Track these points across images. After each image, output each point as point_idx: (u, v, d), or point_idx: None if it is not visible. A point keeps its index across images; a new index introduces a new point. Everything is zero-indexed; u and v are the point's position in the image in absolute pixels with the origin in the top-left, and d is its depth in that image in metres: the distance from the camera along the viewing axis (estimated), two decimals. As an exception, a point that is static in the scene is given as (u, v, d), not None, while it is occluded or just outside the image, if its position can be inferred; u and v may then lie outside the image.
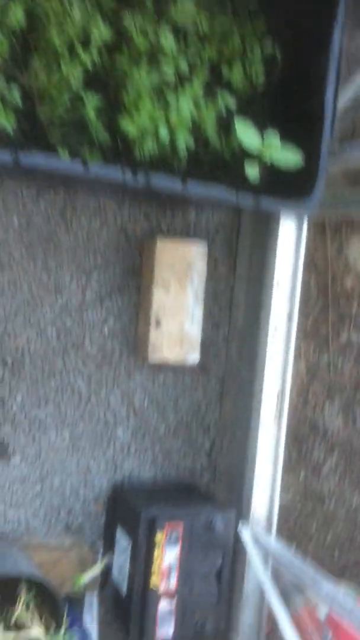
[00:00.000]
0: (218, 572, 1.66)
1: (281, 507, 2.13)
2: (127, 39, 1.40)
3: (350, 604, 1.47)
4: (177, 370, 2.00)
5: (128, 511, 1.71)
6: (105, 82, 1.42)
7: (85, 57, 1.33)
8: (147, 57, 1.40)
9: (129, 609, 1.58)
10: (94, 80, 1.39)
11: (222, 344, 2.06)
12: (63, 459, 1.87)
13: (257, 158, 1.42)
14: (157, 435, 1.98)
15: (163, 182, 1.35)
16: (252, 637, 1.77)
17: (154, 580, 1.57)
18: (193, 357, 1.91)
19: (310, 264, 2.19)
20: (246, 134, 1.39)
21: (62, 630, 1.35)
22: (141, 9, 1.41)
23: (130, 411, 1.95)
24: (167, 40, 1.39)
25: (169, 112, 1.38)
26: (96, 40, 1.34)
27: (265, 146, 1.41)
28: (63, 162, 1.31)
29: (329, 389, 2.21)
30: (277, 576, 2.05)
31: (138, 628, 1.57)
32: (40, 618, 1.39)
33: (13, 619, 1.33)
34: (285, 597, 2.04)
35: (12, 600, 1.39)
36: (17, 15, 1.28)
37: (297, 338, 2.16)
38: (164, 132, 1.37)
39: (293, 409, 2.16)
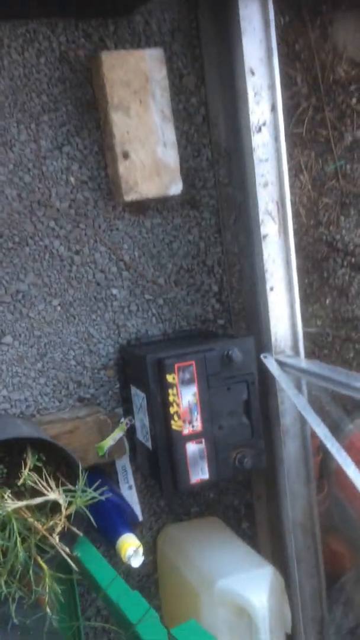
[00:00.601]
0: (246, 405, 1.50)
1: (312, 338, 1.94)
2: None
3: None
4: (164, 211, 1.75)
5: (136, 364, 1.53)
6: None
7: None
8: None
9: (156, 460, 1.44)
10: None
11: (208, 169, 1.78)
12: (59, 331, 1.68)
13: None
14: (157, 288, 1.77)
15: None
16: (300, 466, 1.63)
17: (176, 424, 1.41)
18: (175, 187, 1.65)
19: (293, 59, 1.86)
20: None
21: (79, 489, 1.20)
22: None
23: (121, 267, 1.73)
24: None
25: None
26: None
27: None
28: None
29: (341, 200, 1.94)
30: (322, 412, 1.91)
31: (170, 476, 1.44)
32: (58, 483, 1.25)
33: (20, 482, 1.19)
34: (335, 429, 1.90)
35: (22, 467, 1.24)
36: None
37: (295, 148, 1.88)
38: None
39: (305, 231, 1.91)
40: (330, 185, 1.92)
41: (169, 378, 1.42)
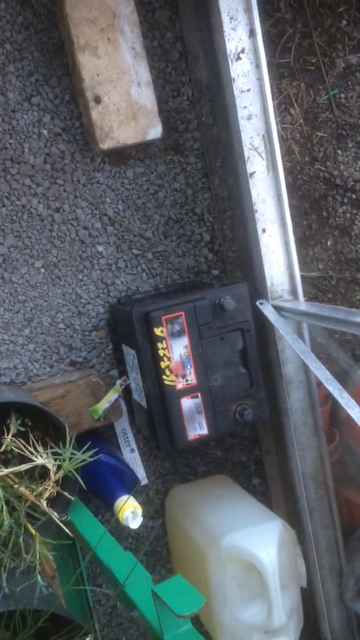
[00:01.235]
0: (242, 354, 1.41)
1: (315, 282, 1.84)
2: None
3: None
4: (146, 159, 1.65)
5: (124, 321, 1.46)
6: None
7: None
8: None
9: (152, 418, 1.38)
10: None
11: (190, 109, 1.67)
12: (45, 294, 1.61)
13: None
14: (145, 241, 1.68)
15: None
16: (307, 416, 1.55)
17: (168, 379, 1.34)
18: (154, 130, 1.54)
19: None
20: None
21: (67, 452, 1.14)
22: None
23: (105, 222, 1.64)
24: None
25: None
26: None
27: None
28: None
29: (337, 132, 1.81)
30: (330, 360, 1.82)
31: (166, 434, 1.37)
32: (47, 449, 1.20)
33: (2, 449, 1.14)
34: (344, 377, 1.81)
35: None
36: None
37: (283, 79, 1.74)
38: None
39: (300, 169, 1.79)
40: (324, 117, 1.79)
41: (157, 331, 1.34)
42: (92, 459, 1.20)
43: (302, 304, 1.49)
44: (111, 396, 1.50)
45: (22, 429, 1.21)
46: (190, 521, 1.54)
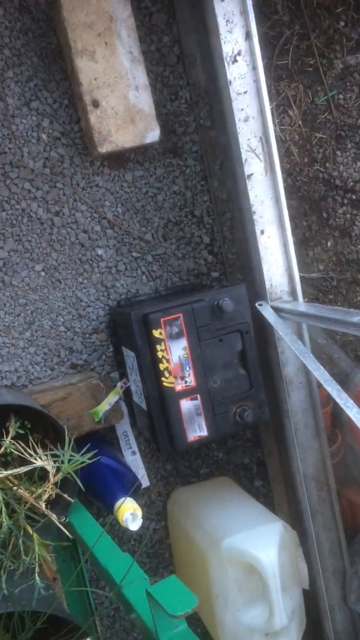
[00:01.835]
0: (241, 355, 1.41)
1: (315, 284, 1.83)
2: None
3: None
4: (145, 162, 1.66)
5: (124, 323, 1.46)
6: None
7: None
8: None
9: (152, 420, 1.38)
10: None
11: (188, 113, 1.67)
12: (45, 297, 1.62)
13: None
14: (145, 244, 1.68)
15: None
16: (307, 417, 1.55)
17: (167, 381, 1.34)
18: (152, 134, 1.55)
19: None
20: None
21: (66, 454, 1.14)
22: None
23: (104, 225, 1.65)
24: None
25: None
26: None
27: None
28: None
29: (336, 133, 1.81)
30: (331, 361, 1.81)
31: (166, 436, 1.37)
32: (46, 451, 1.20)
33: (1, 451, 1.14)
34: (345, 378, 1.80)
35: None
36: None
37: (281, 81, 1.75)
38: None
39: (299, 170, 1.79)
40: (322, 118, 1.79)
41: (156, 333, 1.34)
42: (91, 461, 1.20)
43: (301, 305, 1.49)
44: (112, 398, 1.51)
45: (21, 431, 1.21)
46: (192, 523, 1.54)
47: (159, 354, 1.34)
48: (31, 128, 1.58)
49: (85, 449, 1.22)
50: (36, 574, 1.06)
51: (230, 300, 1.40)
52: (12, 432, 1.18)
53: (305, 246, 1.83)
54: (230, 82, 1.45)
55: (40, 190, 1.59)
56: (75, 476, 1.20)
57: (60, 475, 1.18)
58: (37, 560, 1.10)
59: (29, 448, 1.20)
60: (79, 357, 1.64)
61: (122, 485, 1.40)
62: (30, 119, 1.57)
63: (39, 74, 1.56)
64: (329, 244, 1.84)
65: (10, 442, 1.17)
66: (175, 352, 1.36)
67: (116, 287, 1.67)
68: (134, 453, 1.65)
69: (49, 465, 1.17)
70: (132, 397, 1.55)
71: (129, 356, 1.47)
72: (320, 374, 1.30)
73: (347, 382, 1.77)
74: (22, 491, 1.16)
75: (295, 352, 1.39)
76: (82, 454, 1.20)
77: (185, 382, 1.37)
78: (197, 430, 1.39)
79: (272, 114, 1.65)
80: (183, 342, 1.37)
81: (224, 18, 1.44)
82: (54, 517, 1.14)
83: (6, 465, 1.22)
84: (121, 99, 1.52)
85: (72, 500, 1.22)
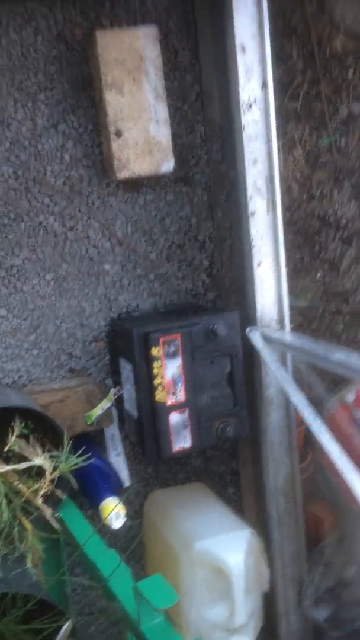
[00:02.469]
0: (229, 377, 1.56)
1: (302, 311, 1.98)
2: None
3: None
4: (157, 188, 1.79)
5: (125, 338, 1.59)
6: None
7: None
8: None
9: (141, 429, 1.52)
10: None
11: (201, 146, 1.80)
12: (52, 304, 1.75)
13: None
14: (149, 263, 1.82)
15: None
16: (283, 435, 1.70)
17: (160, 394, 1.48)
18: (167, 165, 1.68)
19: (289, 33, 1.84)
20: None
21: (65, 454, 1.29)
22: None
23: (114, 242, 1.78)
24: None
25: None
26: None
27: None
28: None
29: (335, 174, 1.95)
30: (307, 386, 1.96)
31: (153, 444, 1.52)
32: (44, 450, 1.34)
33: (6, 449, 1.28)
34: (319, 404, 1.95)
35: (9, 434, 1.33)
36: None
37: (289, 122, 1.88)
38: None
39: (297, 205, 1.93)
40: (324, 159, 1.93)
41: (154, 351, 1.48)
42: (85, 463, 1.34)
43: (287, 335, 1.64)
44: (105, 404, 1.65)
45: (25, 431, 1.35)
46: (167, 524, 1.69)
47: (155, 370, 1.48)
48: (56, 148, 1.69)
49: (80, 451, 1.36)
50: (29, 561, 1.20)
51: (224, 326, 1.54)
52: (17, 432, 1.32)
53: (296, 276, 1.97)
54: (243, 127, 1.58)
55: (58, 206, 1.72)
56: (69, 476, 1.34)
57: (56, 474, 1.32)
58: (30, 548, 1.24)
59: (30, 446, 1.34)
60: (77, 362, 1.77)
61: (107, 486, 1.54)
62: (56, 140, 1.69)
63: (68, 99, 1.68)
64: (318, 275, 1.99)
65: (15, 440, 1.30)
66: (170, 369, 1.50)
67: (118, 300, 1.80)
68: (118, 454, 1.79)
69: (47, 464, 1.31)
70: (124, 404, 1.69)
71: (126, 367, 1.61)
72: (298, 400, 1.45)
73: (321, 407, 1.92)
74: (21, 485, 1.29)
75: (277, 378, 1.54)
76: (78, 456, 1.35)
77: (176, 397, 1.51)
78: (182, 442, 1.53)
79: (278, 155, 1.78)
80: (178, 361, 1.51)
81: (244, 67, 1.56)
82: (49, 511, 1.28)
83: (7, 461, 1.35)
84: (142, 131, 1.64)
85: (64, 497, 1.36)
